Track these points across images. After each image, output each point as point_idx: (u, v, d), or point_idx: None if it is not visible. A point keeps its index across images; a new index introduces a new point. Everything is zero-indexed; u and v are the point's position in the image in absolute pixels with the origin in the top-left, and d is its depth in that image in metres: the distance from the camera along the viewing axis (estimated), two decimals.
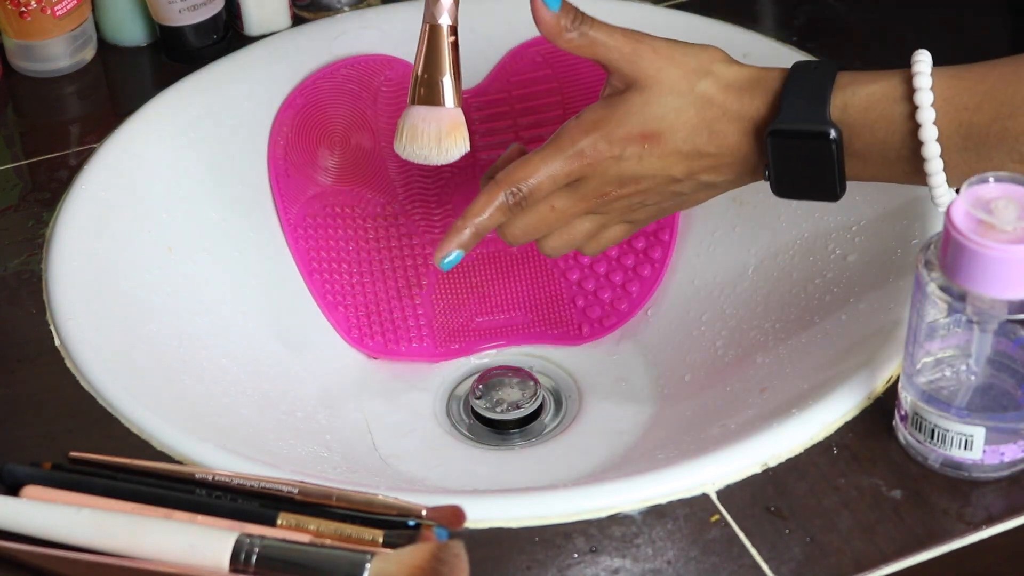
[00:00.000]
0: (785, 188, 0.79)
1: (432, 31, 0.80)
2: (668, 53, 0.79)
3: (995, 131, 0.72)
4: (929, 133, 0.73)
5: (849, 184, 0.93)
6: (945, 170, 0.74)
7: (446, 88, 0.81)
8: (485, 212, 0.82)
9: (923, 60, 0.74)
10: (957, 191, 0.67)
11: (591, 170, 0.80)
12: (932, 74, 0.74)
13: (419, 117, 0.81)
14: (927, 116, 0.73)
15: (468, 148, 0.83)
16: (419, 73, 0.80)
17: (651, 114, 0.79)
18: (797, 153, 0.77)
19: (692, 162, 0.80)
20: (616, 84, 0.80)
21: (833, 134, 0.76)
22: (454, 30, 0.81)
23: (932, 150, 0.74)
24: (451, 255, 0.82)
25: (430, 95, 0.81)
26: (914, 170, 0.75)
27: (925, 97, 0.73)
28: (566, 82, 1.02)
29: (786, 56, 1.00)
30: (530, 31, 1.04)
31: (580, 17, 0.79)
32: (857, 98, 0.76)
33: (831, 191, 0.78)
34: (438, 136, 0.81)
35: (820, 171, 0.78)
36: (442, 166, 1.02)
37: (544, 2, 0.79)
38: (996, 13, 1.06)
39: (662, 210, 0.84)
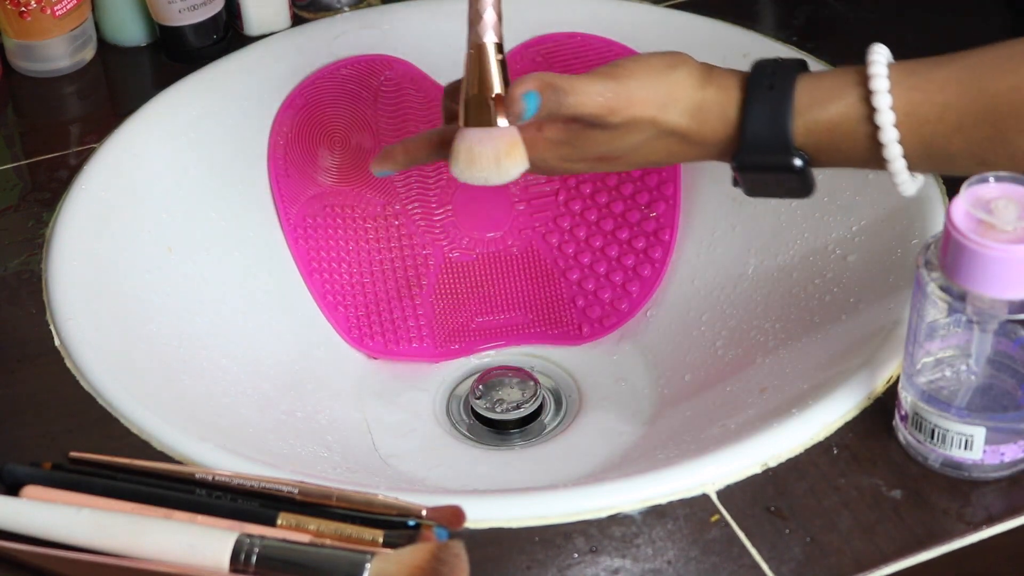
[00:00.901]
0: (756, 195, 0.80)
1: (479, 51, 0.79)
2: (642, 97, 0.77)
3: (957, 141, 0.73)
4: (894, 151, 0.73)
5: (849, 184, 0.93)
6: (908, 169, 0.75)
7: (498, 109, 0.79)
8: (425, 159, 0.84)
9: (879, 74, 0.73)
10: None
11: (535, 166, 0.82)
12: (891, 88, 0.73)
13: (474, 140, 0.80)
14: (891, 135, 0.73)
15: (527, 165, 0.81)
16: (469, 94, 0.79)
17: (613, 146, 0.79)
18: (764, 177, 0.78)
19: (645, 165, 0.81)
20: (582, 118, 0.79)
21: (798, 163, 0.76)
22: (500, 48, 0.79)
23: (898, 165, 0.74)
24: (387, 172, 0.86)
25: (483, 117, 0.79)
26: (878, 167, 0.75)
27: (887, 118, 0.73)
28: None
29: (786, 56, 1.00)
30: (530, 31, 1.05)
31: (554, 98, 0.77)
32: (819, 123, 0.75)
33: (802, 195, 0.79)
34: (496, 157, 0.80)
35: (788, 186, 0.78)
36: (442, 167, 1.02)
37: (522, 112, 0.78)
38: (995, 13, 1.06)
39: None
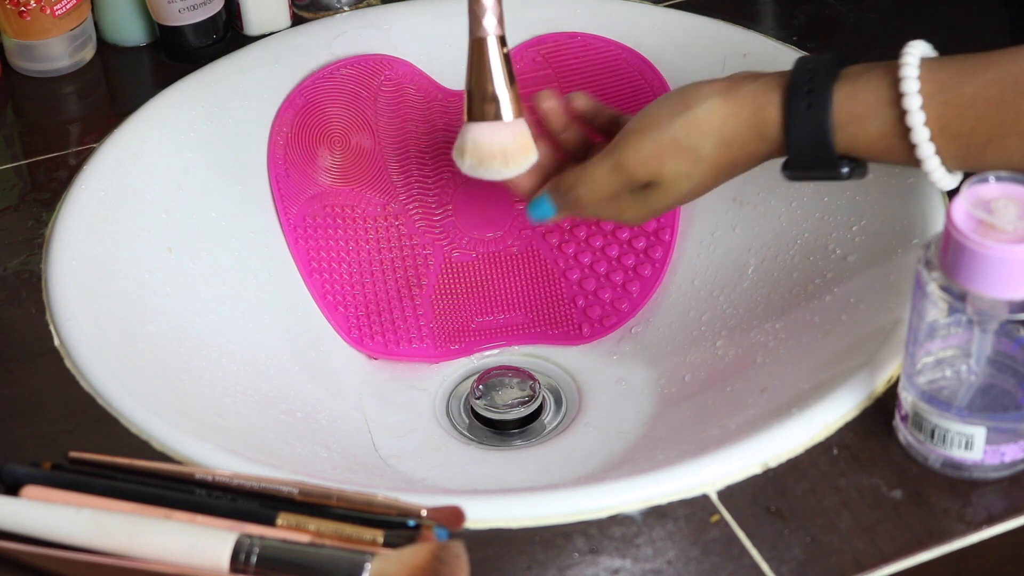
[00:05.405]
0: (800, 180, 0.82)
1: (478, 44, 0.78)
2: (650, 154, 0.80)
3: (992, 152, 0.74)
4: (932, 164, 0.75)
5: (849, 184, 0.93)
6: (948, 172, 0.76)
7: (503, 102, 0.79)
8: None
9: (911, 91, 0.74)
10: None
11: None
12: (923, 105, 0.74)
13: (480, 134, 0.79)
14: (927, 151, 0.74)
15: (536, 156, 0.81)
16: (473, 89, 0.78)
17: (651, 194, 0.82)
18: (812, 178, 0.80)
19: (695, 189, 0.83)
20: None
21: (846, 170, 0.78)
22: (503, 40, 0.79)
23: (938, 174, 0.75)
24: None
25: (489, 111, 0.78)
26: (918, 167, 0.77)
27: (922, 135, 0.74)
28: (566, 81, 1.02)
29: (786, 56, 1.00)
30: (530, 31, 1.05)
31: (564, 199, 0.83)
32: (858, 139, 0.76)
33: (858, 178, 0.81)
34: (503, 152, 0.80)
35: (835, 181, 0.80)
36: (442, 167, 1.02)
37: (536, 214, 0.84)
38: (995, 13, 1.06)
39: None
